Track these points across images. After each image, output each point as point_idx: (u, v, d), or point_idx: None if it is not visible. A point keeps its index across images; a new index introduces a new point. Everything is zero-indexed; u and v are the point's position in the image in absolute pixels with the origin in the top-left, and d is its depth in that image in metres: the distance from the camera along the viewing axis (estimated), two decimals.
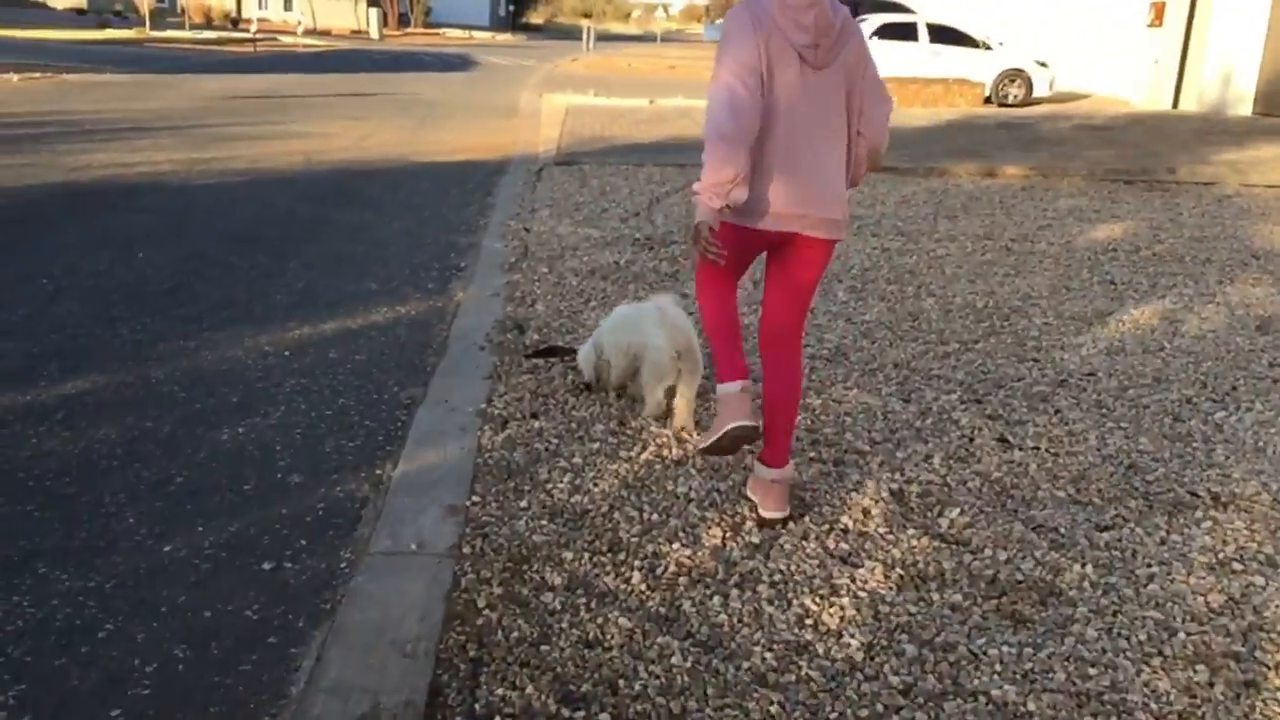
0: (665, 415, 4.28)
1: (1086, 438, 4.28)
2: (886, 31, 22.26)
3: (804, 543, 3.32)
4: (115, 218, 7.70)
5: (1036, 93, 22.65)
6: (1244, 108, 18.81)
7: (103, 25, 38.69)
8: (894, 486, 3.74)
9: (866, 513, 3.54)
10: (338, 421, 4.21)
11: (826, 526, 3.44)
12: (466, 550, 3.16)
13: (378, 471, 3.76)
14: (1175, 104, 22.41)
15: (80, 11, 45.84)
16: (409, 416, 4.28)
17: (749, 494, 3.59)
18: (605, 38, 50.11)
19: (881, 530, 3.42)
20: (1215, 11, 19.52)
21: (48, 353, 4.85)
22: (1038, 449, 4.16)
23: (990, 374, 5.04)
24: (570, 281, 6.40)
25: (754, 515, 3.49)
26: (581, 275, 6.55)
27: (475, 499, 3.51)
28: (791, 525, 3.43)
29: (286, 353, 4.99)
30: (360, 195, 9.17)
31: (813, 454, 4.00)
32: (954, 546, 3.33)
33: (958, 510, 3.58)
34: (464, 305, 5.92)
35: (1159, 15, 22.69)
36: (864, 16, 22.85)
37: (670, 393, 4.21)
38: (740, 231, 3.25)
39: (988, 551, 3.31)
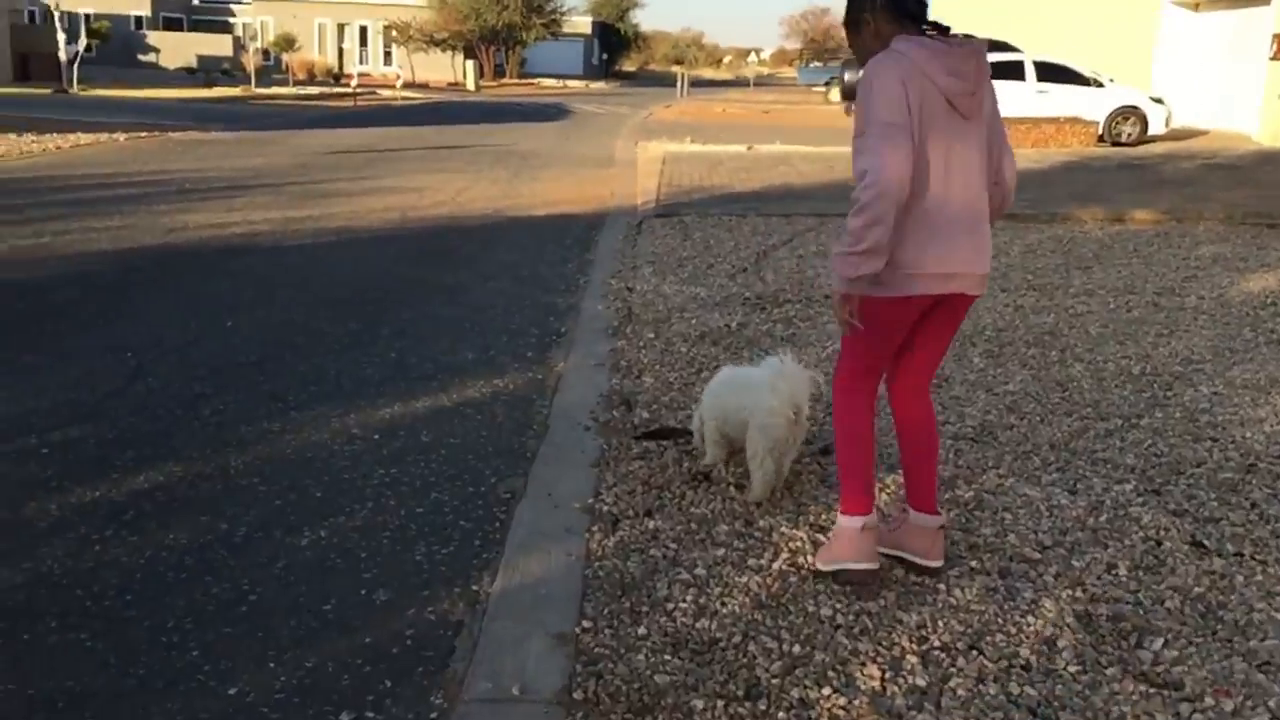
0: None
1: None
2: (997, 72, 21.56)
3: (981, 686, 2.76)
4: (207, 283, 7.46)
5: (1152, 130, 21.68)
6: None
7: (210, 84, 39.73)
8: (1078, 608, 3.15)
9: (1051, 644, 2.96)
10: (429, 522, 3.77)
11: (1004, 663, 2.87)
12: (578, 695, 2.67)
13: (474, 586, 3.29)
14: None
15: (190, 71, 47.19)
16: (508, 514, 3.82)
17: (891, 550, 3.39)
18: (698, 83, 49.96)
19: (1073, 670, 2.84)
20: None
21: (124, 438, 4.52)
22: (1240, 555, 3.52)
23: (1164, 457, 4.41)
24: (679, 348, 5.92)
25: (911, 575, 3.35)
26: (691, 341, 6.07)
27: (586, 623, 3.02)
28: (962, 662, 2.87)
29: (376, 436, 4.59)
30: (456, 253, 8.85)
31: (974, 563, 3.43)
32: (1165, 693, 2.73)
33: (1160, 641, 2.98)
34: (565, 377, 5.48)
35: None
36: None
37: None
38: (893, 305, 3.03)
39: (1208, 700, 2.70)
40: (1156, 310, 6.94)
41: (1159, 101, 22.09)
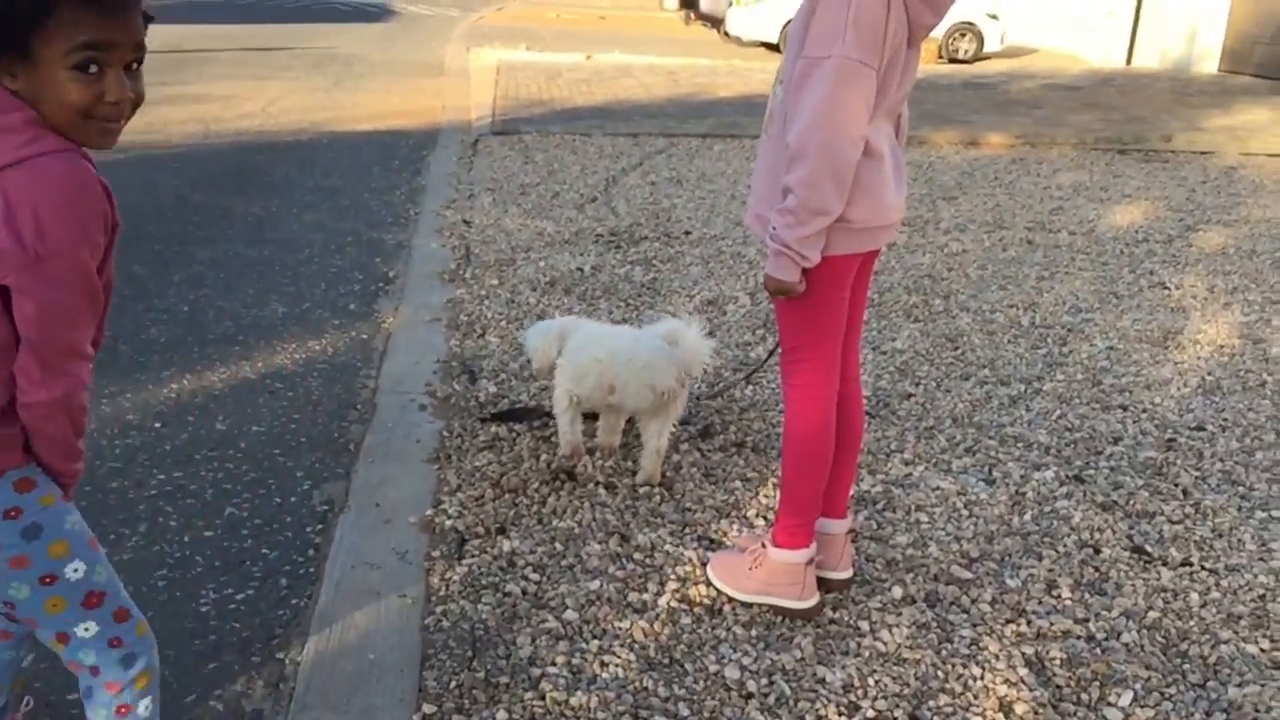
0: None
1: (1241, 540, 3.21)
2: None
3: None
4: None
5: (988, 48, 21.62)
6: (1209, 64, 17.98)
7: None
8: (1027, 650, 2.62)
9: (1006, 708, 2.42)
10: (221, 551, 2.97)
11: None
12: None
13: (279, 654, 2.54)
14: (1129, 59, 21.59)
15: None
16: (324, 536, 3.05)
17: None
18: None
19: None
20: None
21: None
22: (1189, 564, 3.07)
23: (1076, 431, 3.95)
24: (526, 297, 5.18)
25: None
26: (540, 288, 5.33)
27: (429, 710, 2.32)
28: None
29: (158, 425, 3.71)
30: (266, 176, 7.79)
31: (896, 588, 2.87)
32: None
33: (1130, 695, 2.47)
34: (395, 337, 4.67)
35: None
36: None
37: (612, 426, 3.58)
38: (846, 263, 2.52)
39: None
40: (1031, 249, 6.54)
41: (994, 18, 22.03)
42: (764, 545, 2.78)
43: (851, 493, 3.03)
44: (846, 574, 2.88)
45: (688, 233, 6.53)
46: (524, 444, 3.62)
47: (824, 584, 2.81)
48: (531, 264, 5.75)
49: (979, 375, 4.46)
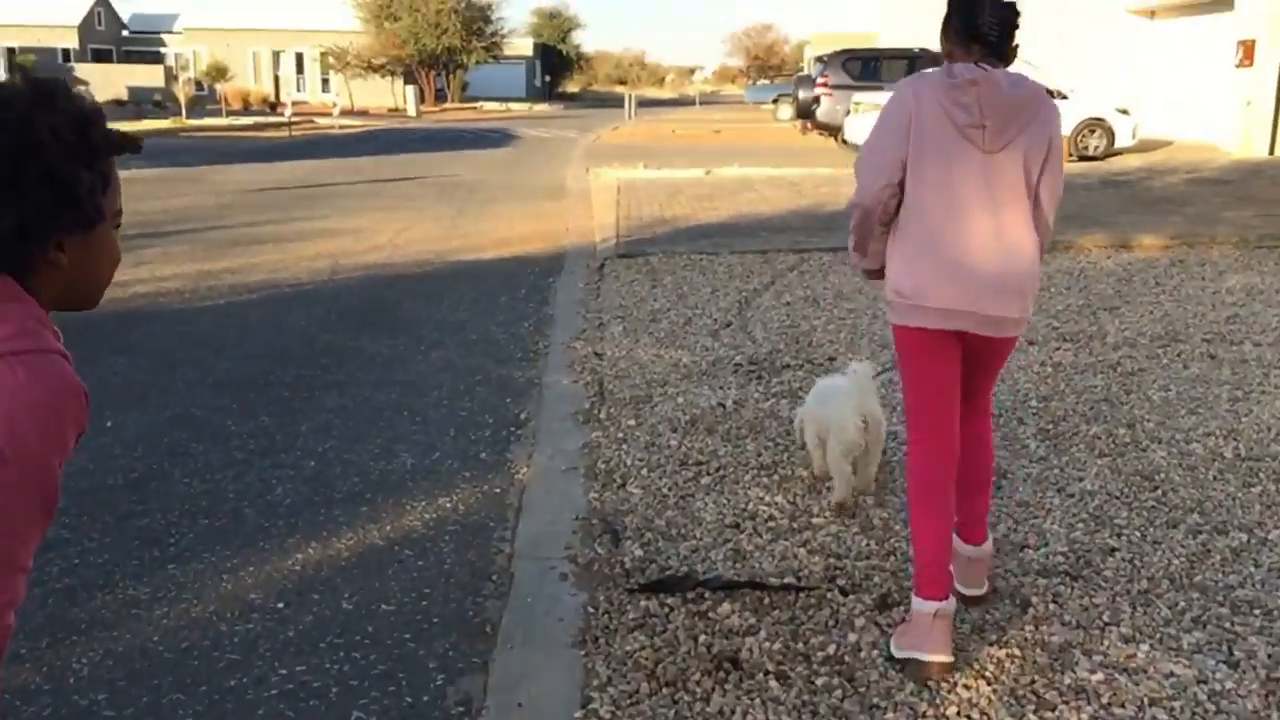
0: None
1: None
2: None
3: None
4: (95, 363, 6.21)
5: (1119, 143, 20.94)
6: None
7: (140, 116, 38.16)
8: None
9: None
10: None
11: None
12: None
13: None
14: (1272, 149, 20.65)
15: (120, 103, 45.43)
16: None
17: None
18: (643, 103, 48.90)
19: None
20: None
21: None
22: None
23: None
24: (667, 440, 4.82)
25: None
26: (681, 429, 4.97)
27: None
28: None
29: (280, 605, 3.42)
30: (393, 312, 7.68)
31: None
32: None
33: None
34: (530, 490, 4.34)
35: (1249, 55, 21.01)
36: (928, 71, 21.37)
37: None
38: (910, 334, 2.97)
39: None
40: (1215, 364, 5.94)
41: (1125, 112, 21.38)
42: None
43: (1057, 673, 2.93)
44: (980, 590, 3.26)
45: (831, 359, 6.12)
46: (678, 621, 3.22)
47: (963, 599, 3.19)
48: (669, 400, 5.41)
49: (1189, 522, 3.91)
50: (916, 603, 2.91)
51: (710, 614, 3.24)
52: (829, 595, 3.36)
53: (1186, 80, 24.59)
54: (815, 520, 3.95)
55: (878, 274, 3.08)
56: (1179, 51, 25.20)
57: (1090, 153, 20.73)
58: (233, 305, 7.87)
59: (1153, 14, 26.37)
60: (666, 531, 3.87)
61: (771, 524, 3.93)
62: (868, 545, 3.73)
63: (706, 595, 3.34)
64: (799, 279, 8.56)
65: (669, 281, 8.47)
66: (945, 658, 2.86)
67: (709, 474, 4.41)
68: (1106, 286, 8.10)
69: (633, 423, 5.08)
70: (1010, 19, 2.92)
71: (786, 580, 3.46)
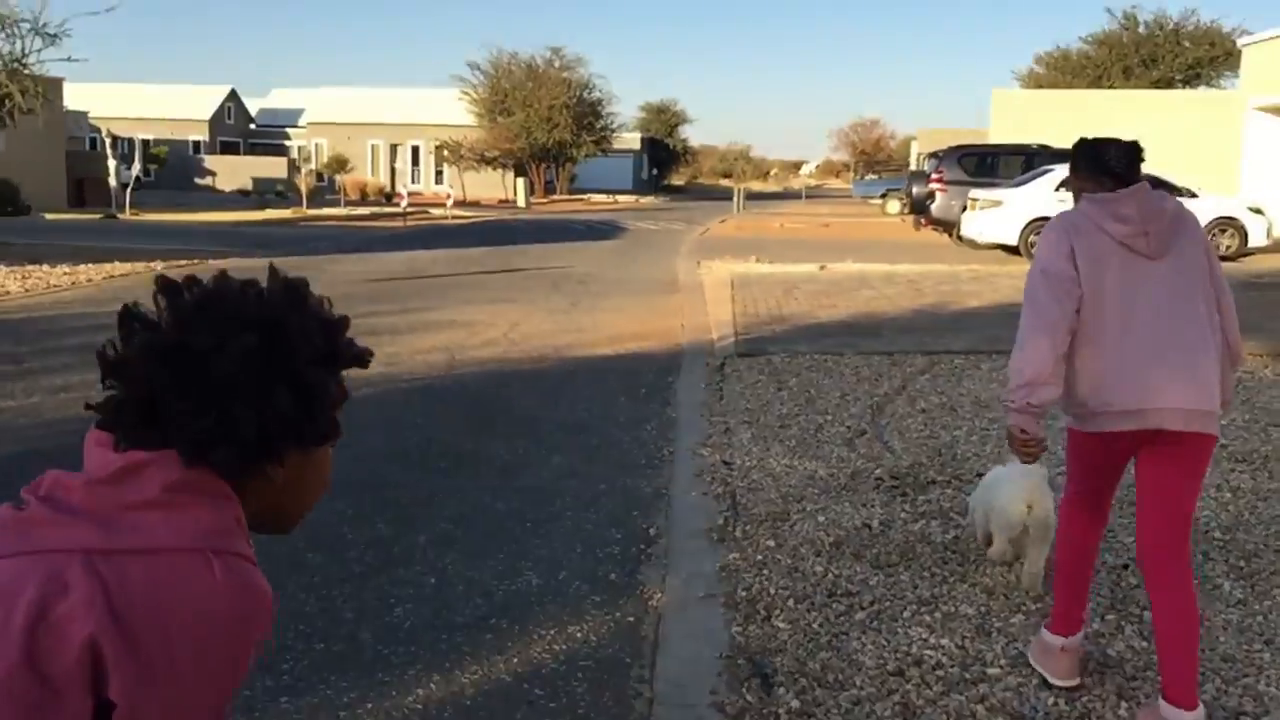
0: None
1: None
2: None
3: None
4: None
5: (1252, 242, 20.08)
6: None
7: (263, 206, 39.48)
8: None
9: None
10: None
11: None
12: None
13: None
14: None
15: (245, 193, 47.20)
16: None
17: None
18: (749, 196, 49.05)
19: None
20: None
21: None
22: None
23: None
24: (812, 566, 4.43)
25: None
26: (825, 552, 4.58)
27: None
28: None
29: None
30: (511, 412, 7.45)
31: None
32: None
33: None
34: (666, 621, 3.99)
35: None
36: (1048, 168, 20.89)
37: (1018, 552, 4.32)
38: (1089, 439, 3.14)
39: None
40: None
41: (1258, 211, 20.54)
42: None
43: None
44: None
45: (979, 474, 5.67)
46: None
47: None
48: (809, 518, 5.02)
49: None
50: (1045, 635, 3.41)
51: None
52: None
53: None
54: (990, 671, 3.51)
55: (1033, 413, 3.08)
56: None
57: (1222, 252, 19.88)
58: (349, 404, 7.72)
59: None
60: (822, 677, 3.47)
61: (940, 672, 3.50)
62: (1055, 704, 3.28)
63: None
64: (931, 384, 8.13)
65: (794, 384, 8.12)
66: (1071, 682, 3.35)
67: (862, 608, 4.01)
68: (1272, 399, 7.50)
69: (772, 543, 4.70)
70: (1135, 154, 3.18)
71: None
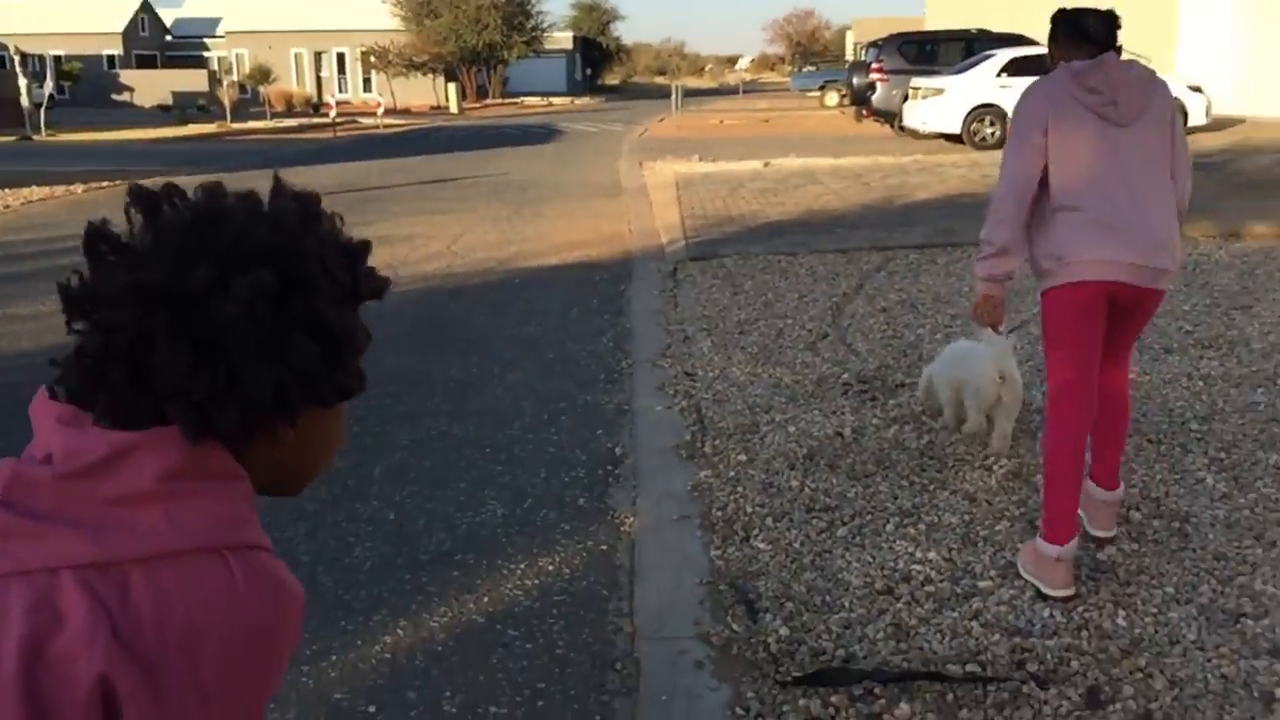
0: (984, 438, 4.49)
1: None
2: (1017, 67, 19.84)
3: None
4: None
5: (1192, 121, 20.00)
6: None
7: (185, 121, 38.11)
8: None
9: None
10: None
11: None
12: None
13: None
14: None
15: (165, 108, 45.41)
16: None
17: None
18: (685, 93, 48.08)
19: None
20: None
21: None
22: None
23: None
24: (787, 480, 4.27)
25: None
26: (799, 465, 4.42)
27: None
28: None
29: (371, 709, 2.91)
30: (461, 329, 7.18)
31: None
32: None
33: None
34: (641, 547, 3.81)
35: None
36: (988, 53, 20.61)
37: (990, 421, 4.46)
38: (1065, 292, 3.22)
39: None
40: None
41: (1198, 90, 20.47)
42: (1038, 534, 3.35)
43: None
44: (1111, 533, 3.60)
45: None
46: None
47: (1094, 539, 3.57)
48: (779, 429, 4.86)
49: None
50: (1041, 544, 3.29)
51: (886, 716, 2.70)
52: (1024, 689, 2.81)
53: (1253, 54, 23.60)
54: (982, 584, 3.39)
55: (1002, 279, 3.36)
56: (1245, 25, 24.20)
57: None
58: None
59: None
60: (809, 600, 3.33)
61: (930, 588, 3.37)
62: (1052, 617, 3.16)
63: (877, 690, 2.79)
64: (889, 281, 7.97)
65: (749, 286, 7.91)
66: (1067, 591, 3.26)
67: (843, 523, 3.86)
68: (1229, 281, 7.43)
69: (743, 458, 4.53)
70: (1112, 22, 3.30)
71: (970, 669, 2.90)
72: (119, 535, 0.90)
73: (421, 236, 11.10)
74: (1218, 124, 21.13)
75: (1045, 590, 3.27)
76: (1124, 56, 3.30)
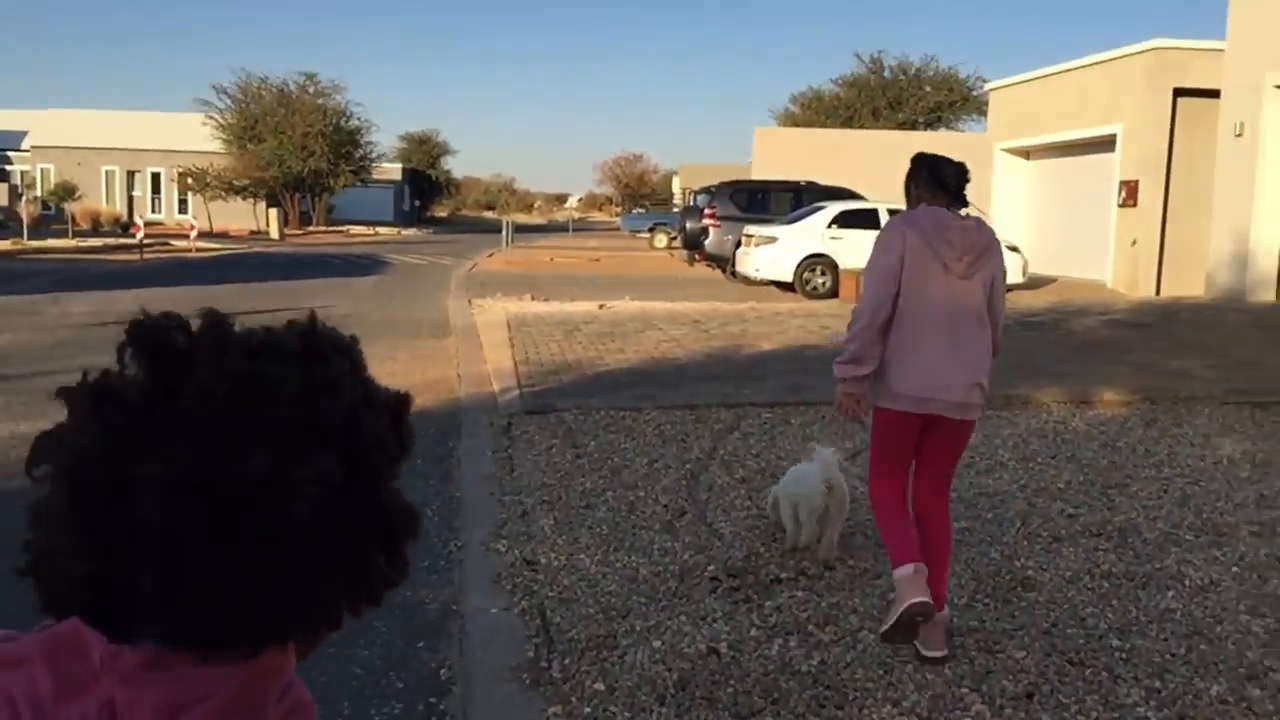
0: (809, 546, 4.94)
1: None
2: (846, 220, 20.13)
3: None
4: None
5: (1010, 279, 20.62)
6: (1268, 293, 16.79)
7: None
8: None
9: None
10: None
11: None
12: None
13: None
14: (1158, 289, 20.66)
15: None
16: None
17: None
18: (515, 229, 47.88)
19: None
20: (1220, 187, 17.81)
21: None
22: None
23: None
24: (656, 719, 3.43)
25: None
26: (671, 699, 3.59)
27: None
28: None
29: None
30: None
31: None
32: None
33: None
34: None
35: (1132, 195, 21.19)
36: (818, 205, 20.93)
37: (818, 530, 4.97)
38: (888, 415, 3.86)
39: None
40: None
41: (1014, 249, 21.20)
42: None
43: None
44: (942, 653, 3.82)
45: (830, 568, 4.85)
46: None
47: (924, 660, 3.83)
48: (641, 642, 4.03)
49: None
50: (899, 570, 3.74)
51: None
52: None
53: (1061, 218, 24.83)
54: None
55: (861, 382, 3.85)
56: (1054, 189, 25.51)
57: None
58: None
59: (1028, 155, 26.79)
60: None
61: None
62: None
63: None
64: (744, 444, 7.34)
65: (593, 447, 7.14)
66: (924, 597, 3.64)
67: None
68: (1094, 454, 7.09)
69: (601, 686, 3.67)
70: (964, 175, 3.87)
71: None
72: None
73: None
74: (1032, 282, 21.93)
75: (909, 599, 3.65)
76: (970, 213, 3.87)
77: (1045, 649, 3.99)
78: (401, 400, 0.89)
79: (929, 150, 4.00)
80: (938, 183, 3.82)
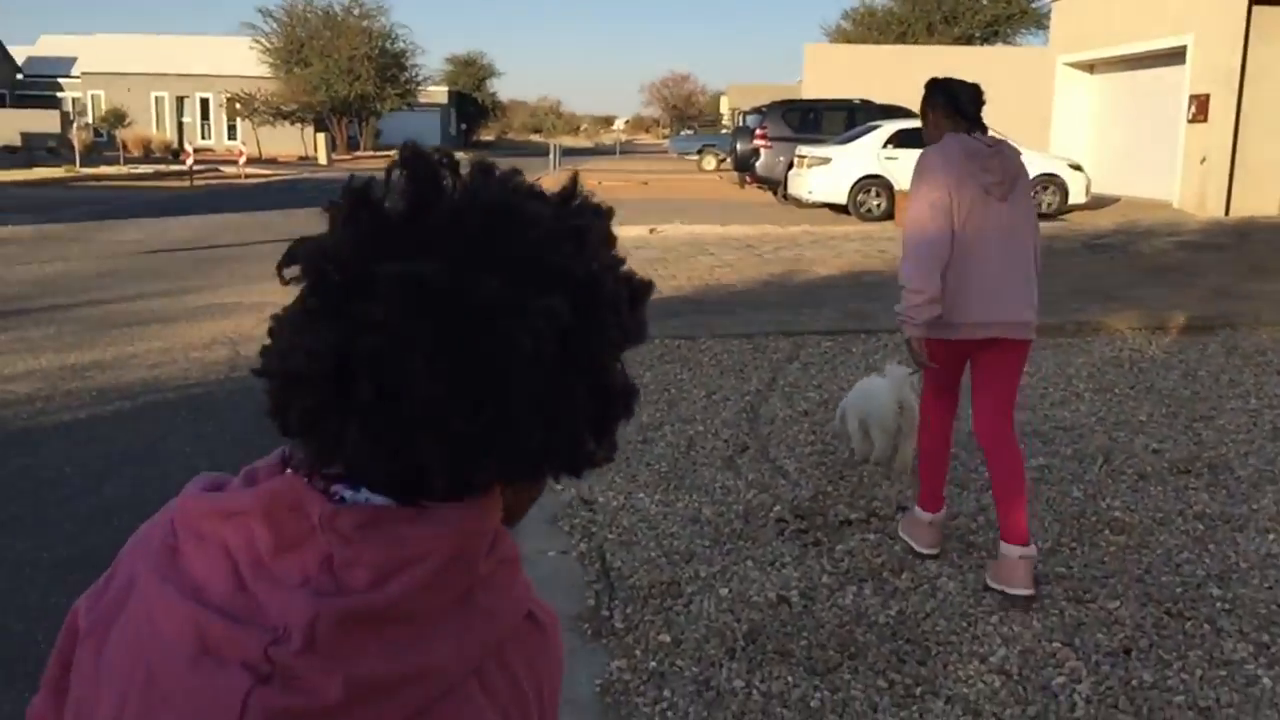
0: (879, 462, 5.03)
1: None
2: (902, 139, 19.52)
3: None
4: None
5: (1071, 200, 20.02)
6: None
7: (31, 164, 35.63)
8: None
9: None
10: None
11: None
12: None
13: None
14: (1227, 209, 19.90)
15: (11, 150, 42.49)
16: None
17: (992, 583, 3.77)
18: (562, 152, 47.28)
19: None
20: None
21: None
22: None
23: None
24: (729, 679, 3.22)
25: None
26: (741, 652, 3.38)
27: None
28: None
29: None
30: None
31: None
32: None
33: None
34: None
35: (1202, 110, 20.32)
36: (873, 124, 20.31)
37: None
38: (947, 345, 3.81)
39: None
40: None
41: (1077, 168, 20.50)
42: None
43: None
44: (1025, 591, 3.68)
45: (902, 508, 4.60)
46: None
47: (1006, 597, 3.70)
48: (707, 589, 3.83)
49: None
50: (916, 511, 4.12)
51: None
52: None
53: (1126, 134, 23.97)
54: None
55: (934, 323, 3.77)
56: (1118, 105, 24.61)
57: (1044, 209, 19.74)
58: (96, 422, 6.10)
59: (1092, 68, 25.81)
60: None
61: None
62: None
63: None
64: (804, 374, 7.07)
65: (649, 379, 6.91)
66: (935, 550, 4.04)
67: None
68: (1175, 384, 6.75)
69: (667, 638, 3.48)
70: (979, 97, 3.84)
71: None
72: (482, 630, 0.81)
73: (273, 306, 9.66)
74: (1095, 202, 21.24)
75: (916, 548, 4.05)
76: (990, 134, 3.83)
77: (1140, 598, 3.73)
78: (644, 285, 0.88)
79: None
80: (956, 109, 3.82)
